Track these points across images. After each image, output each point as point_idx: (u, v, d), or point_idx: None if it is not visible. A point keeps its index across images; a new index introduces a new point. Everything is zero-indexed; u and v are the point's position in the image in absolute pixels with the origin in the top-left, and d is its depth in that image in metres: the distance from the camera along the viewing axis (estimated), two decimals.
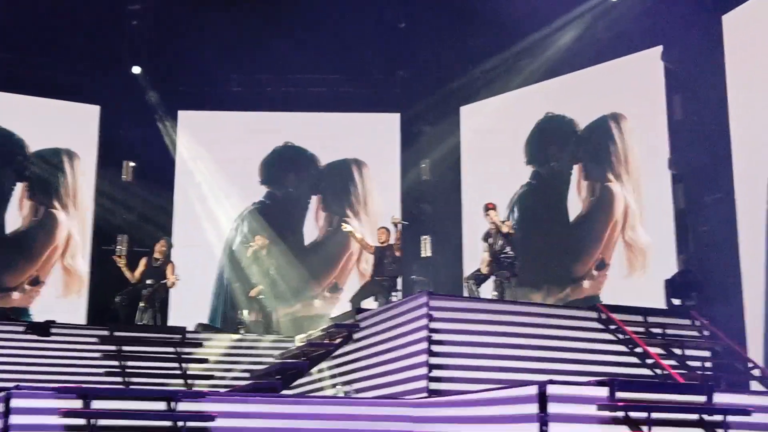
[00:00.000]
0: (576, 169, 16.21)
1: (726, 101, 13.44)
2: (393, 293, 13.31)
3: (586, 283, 15.59)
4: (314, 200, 18.44)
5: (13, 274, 17.04)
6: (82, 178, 17.71)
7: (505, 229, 12.52)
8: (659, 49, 14.70)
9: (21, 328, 12.83)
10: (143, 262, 14.27)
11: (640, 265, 14.90)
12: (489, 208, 12.87)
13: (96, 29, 16.41)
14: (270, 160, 18.45)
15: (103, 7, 16.43)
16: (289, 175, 18.52)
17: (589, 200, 15.96)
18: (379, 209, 17.88)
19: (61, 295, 17.16)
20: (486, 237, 12.77)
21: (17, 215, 17.30)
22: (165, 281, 14.09)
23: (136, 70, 17.71)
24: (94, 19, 16.14)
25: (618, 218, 15.33)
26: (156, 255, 14.34)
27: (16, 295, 16.88)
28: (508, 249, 12.47)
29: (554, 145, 16.64)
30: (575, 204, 16.17)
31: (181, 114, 18.44)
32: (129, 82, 17.69)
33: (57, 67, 17.46)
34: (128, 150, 17.75)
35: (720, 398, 8.32)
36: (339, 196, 18.42)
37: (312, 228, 18.38)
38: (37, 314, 16.33)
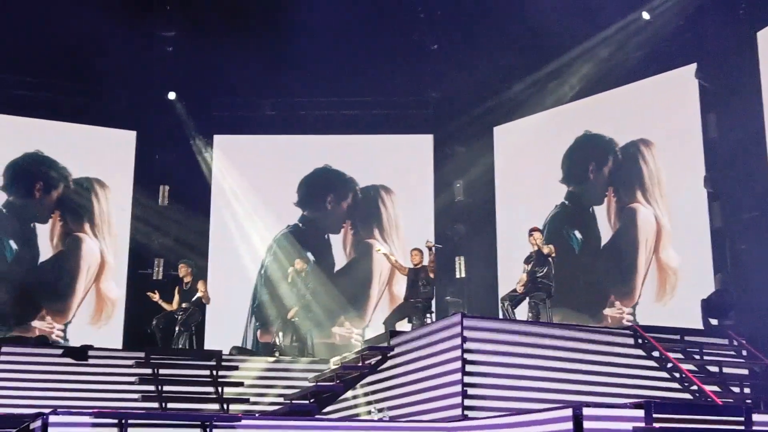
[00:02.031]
0: (610, 190, 16.10)
1: (762, 118, 13.33)
2: (427, 315, 13.27)
3: (619, 305, 15.44)
4: (347, 224, 18.45)
5: (49, 300, 17.20)
6: (118, 203, 17.86)
7: (546, 251, 12.44)
8: (693, 66, 14.60)
9: (58, 352, 12.95)
10: (177, 290, 14.47)
11: (671, 286, 14.75)
12: (533, 230, 12.84)
13: (132, 56, 16.59)
14: (309, 180, 18.50)
15: (138, 34, 16.63)
16: (327, 196, 18.54)
17: (621, 220, 15.83)
18: (412, 230, 17.85)
19: (95, 320, 17.28)
20: (527, 259, 12.74)
21: (49, 241, 17.47)
22: (199, 297, 14.25)
23: (172, 95, 17.91)
24: (130, 46, 16.32)
25: (650, 239, 15.19)
26: (185, 279, 14.49)
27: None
28: (545, 271, 12.38)
29: (592, 163, 16.52)
30: (607, 225, 16.05)
31: (217, 138, 18.59)
32: (165, 107, 17.89)
33: (94, 93, 17.72)
34: (164, 174, 17.92)
35: (759, 419, 8.22)
36: (369, 219, 18.39)
37: (341, 252, 18.38)
38: (73, 339, 16.47)
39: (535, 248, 12.64)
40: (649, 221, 15.32)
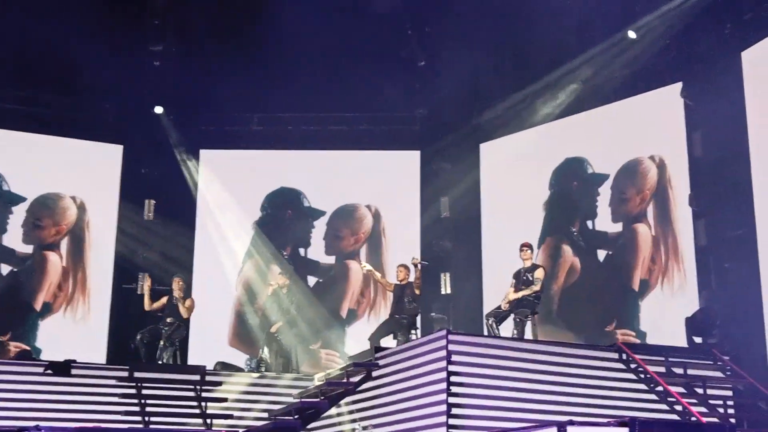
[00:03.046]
0: (600, 207, 16.14)
1: (746, 137, 13.39)
2: (412, 331, 13.26)
3: (613, 324, 15.44)
4: (321, 240, 18.43)
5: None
6: (104, 217, 17.80)
7: (537, 275, 12.39)
8: (679, 85, 14.68)
9: (41, 369, 12.85)
10: (165, 299, 14.41)
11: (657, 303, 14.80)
12: (524, 247, 12.77)
13: (119, 69, 16.57)
14: (269, 202, 18.50)
15: (126, 47, 16.61)
16: (288, 216, 18.52)
17: (611, 239, 15.89)
18: (398, 246, 17.85)
19: (79, 332, 17.19)
20: (516, 274, 12.69)
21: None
22: (182, 319, 14.22)
23: (159, 109, 17.89)
24: (117, 60, 16.30)
25: (643, 257, 15.22)
26: (175, 293, 14.44)
27: None
28: (531, 288, 12.34)
29: (574, 183, 16.57)
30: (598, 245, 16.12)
31: (203, 152, 18.57)
32: (151, 121, 17.86)
33: (80, 107, 17.69)
34: (150, 188, 17.88)
35: None
36: (351, 236, 18.39)
37: (321, 268, 18.38)
38: (56, 353, 16.35)
39: (526, 264, 12.62)
40: (641, 239, 15.34)
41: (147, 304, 14.48)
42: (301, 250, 18.43)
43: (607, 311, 15.63)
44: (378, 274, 14.61)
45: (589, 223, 16.26)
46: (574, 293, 16.18)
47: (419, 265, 13.55)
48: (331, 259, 18.39)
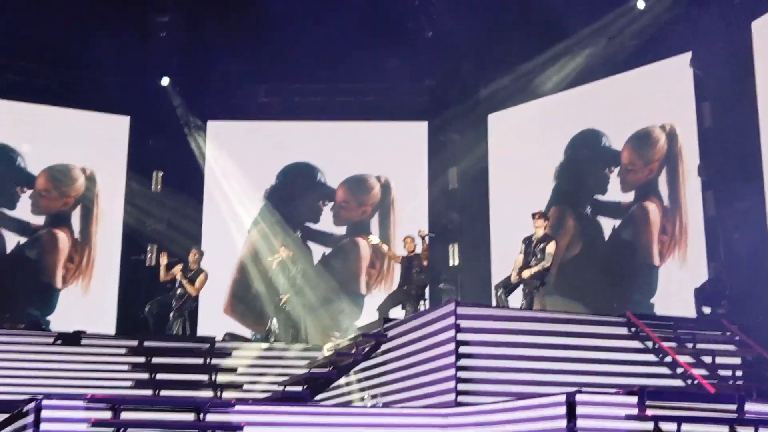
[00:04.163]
0: (611, 179, 16.08)
1: (756, 107, 13.34)
2: (420, 302, 13.27)
3: (617, 292, 15.43)
4: (329, 211, 18.42)
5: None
6: (112, 189, 17.81)
7: (548, 249, 12.05)
8: (688, 55, 14.59)
9: (50, 339, 12.91)
10: (179, 268, 14.34)
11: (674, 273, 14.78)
12: (537, 215, 12.43)
13: (126, 41, 16.51)
14: (284, 174, 18.49)
15: (132, 19, 16.55)
16: (300, 189, 18.50)
17: (621, 209, 15.85)
18: (406, 218, 17.86)
19: (89, 304, 17.26)
20: (528, 243, 12.33)
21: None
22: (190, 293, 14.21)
23: (165, 81, 17.84)
24: (123, 31, 16.25)
25: (652, 227, 15.18)
26: (191, 265, 14.43)
27: None
28: (539, 260, 12.16)
29: (587, 159, 16.51)
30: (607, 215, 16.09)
31: (210, 124, 18.54)
32: (158, 92, 17.82)
33: (87, 78, 17.66)
34: (157, 160, 17.87)
35: (751, 408, 8.24)
36: (359, 207, 18.38)
37: (331, 238, 18.40)
38: (66, 324, 16.40)
39: (539, 233, 12.28)
40: (650, 210, 15.30)
41: (163, 275, 14.41)
42: (310, 224, 18.41)
43: (615, 282, 15.62)
44: (385, 247, 14.59)
45: (599, 196, 16.21)
46: (583, 264, 16.17)
47: (426, 237, 13.52)
48: (341, 230, 18.38)
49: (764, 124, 13.22)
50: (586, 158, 16.55)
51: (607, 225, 16.05)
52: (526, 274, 12.07)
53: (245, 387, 12.98)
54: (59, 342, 12.79)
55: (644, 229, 15.30)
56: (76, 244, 17.52)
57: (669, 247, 14.88)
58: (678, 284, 14.30)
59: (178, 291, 14.23)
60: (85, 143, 17.79)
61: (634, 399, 7.84)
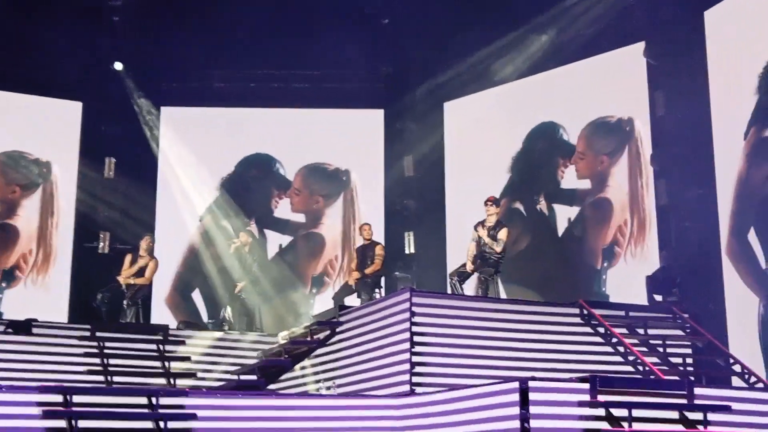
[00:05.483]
0: (567, 170, 16.17)
1: (708, 96, 13.49)
2: (376, 290, 13.28)
3: (572, 281, 15.56)
4: (287, 200, 18.37)
5: None
6: (65, 175, 17.57)
7: (500, 235, 12.09)
8: (642, 45, 14.71)
9: (1, 328, 12.70)
10: (128, 259, 14.20)
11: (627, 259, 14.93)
12: (489, 202, 12.42)
13: (78, 25, 16.26)
14: (241, 164, 18.39)
15: (84, 2, 16.30)
16: (257, 179, 18.40)
17: (577, 197, 15.97)
18: (363, 205, 17.84)
19: (41, 292, 17.04)
20: (477, 226, 12.31)
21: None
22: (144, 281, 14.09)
23: (118, 66, 17.61)
24: (75, 15, 16.01)
25: (607, 217, 15.32)
26: (141, 252, 14.29)
27: None
28: (494, 245, 12.16)
29: (540, 149, 16.60)
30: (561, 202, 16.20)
31: (164, 110, 18.34)
32: (111, 78, 17.58)
33: (39, 63, 17.32)
34: (110, 146, 17.62)
35: (700, 392, 8.37)
36: (317, 195, 18.35)
37: (288, 226, 18.34)
38: (18, 312, 16.17)
39: (491, 221, 12.28)
40: (607, 201, 15.44)
41: (125, 276, 14.19)
42: (268, 213, 18.33)
43: (569, 271, 15.75)
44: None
45: (554, 186, 16.32)
46: (537, 253, 16.27)
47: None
48: (300, 218, 18.31)
49: (716, 113, 13.37)
50: (542, 149, 16.62)
51: (563, 214, 16.15)
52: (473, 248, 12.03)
53: (199, 375, 12.90)
54: (10, 331, 12.58)
55: (600, 218, 15.42)
56: (27, 232, 17.26)
57: (624, 236, 15.01)
58: (633, 272, 14.43)
59: (130, 279, 14.09)
60: (36, 129, 17.49)
61: (586, 386, 7.93)
